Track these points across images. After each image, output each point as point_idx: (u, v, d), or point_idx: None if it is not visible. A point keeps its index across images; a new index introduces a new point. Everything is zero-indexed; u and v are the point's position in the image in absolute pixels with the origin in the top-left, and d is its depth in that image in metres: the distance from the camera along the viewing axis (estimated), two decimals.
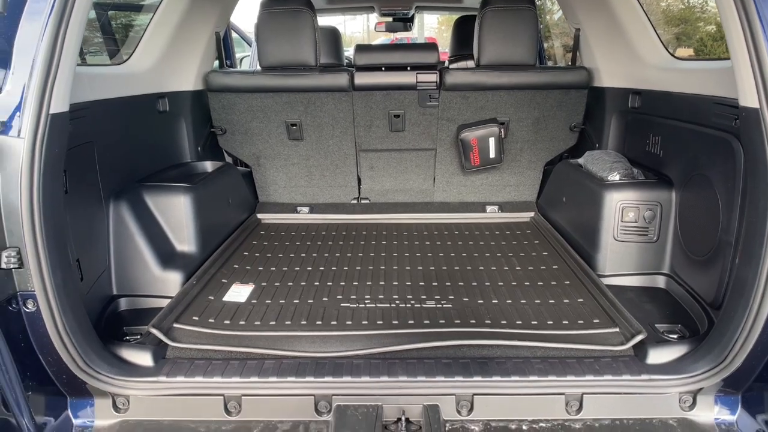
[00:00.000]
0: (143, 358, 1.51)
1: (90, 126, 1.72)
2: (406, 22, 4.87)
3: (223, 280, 2.00)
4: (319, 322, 1.71)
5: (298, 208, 2.79)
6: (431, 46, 2.61)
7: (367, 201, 2.87)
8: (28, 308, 1.29)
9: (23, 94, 1.24)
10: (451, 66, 2.60)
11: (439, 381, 1.45)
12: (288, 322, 1.71)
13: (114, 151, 1.92)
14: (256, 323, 1.71)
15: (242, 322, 1.71)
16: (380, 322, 1.71)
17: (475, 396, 1.45)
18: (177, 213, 2.00)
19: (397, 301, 1.85)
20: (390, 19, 4.89)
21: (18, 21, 1.25)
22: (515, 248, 2.33)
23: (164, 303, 1.83)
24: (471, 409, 1.45)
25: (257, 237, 2.49)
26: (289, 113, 2.60)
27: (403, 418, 1.40)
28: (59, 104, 1.28)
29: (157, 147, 2.31)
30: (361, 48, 2.61)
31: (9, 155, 1.22)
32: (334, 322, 1.71)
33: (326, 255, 2.27)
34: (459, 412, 1.45)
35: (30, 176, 1.22)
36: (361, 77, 2.53)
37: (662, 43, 2.21)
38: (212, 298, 1.86)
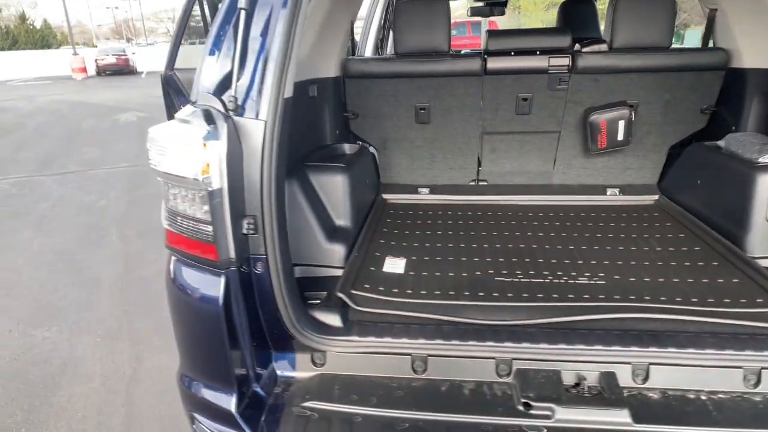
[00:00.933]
0: (334, 319, 1.68)
1: None
2: (499, 6, 4.86)
3: (376, 253, 2.15)
4: (481, 294, 1.82)
5: (419, 189, 2.92)
6: (563, 30, 2.63)
7: (485, 183, 2.95)
8: (257, 270, 1.47)
9: (255, 80, 1.41)
10: (583, 49, 2.61)
11: (615, 350, 1.53)
12: (452, 293, 1.84)
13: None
14: (422, 292, 1.85)
15: (409, 291, 1.85)
16: (541, 295, 1.80)
17: (650, 365, 1.52)
18: (336, 191, 2.17)
19: (550, 277, 1.93)
20: (482, 3, 4.89)
21: (253, 14, 1.41)
22: (648, 230, 2.35)
23: (331, 272, 2.01)
24: (646, 378, 1.52)
25: (389, 215, 2.64)
26: (419, 98, 2.72)
27: (585, 383, 1.50)
28: (289, 89, 1.44)
29: (308, 130, 2.50)
30: (492, 33, 2.67)
31: (250, 135, 1.39)
32: (496, 294, 1.82)
33: (461, 233, 2.38)
34: (634, 380, 1.53)
35: (270, 153, 1.39)
36: (493, 62, 2.60)
37: None
38: (374, 269, 2.02)
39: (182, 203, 1.38)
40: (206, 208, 1.33)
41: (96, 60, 25.55)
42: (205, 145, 1.28)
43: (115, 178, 6.99)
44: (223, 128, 1.31)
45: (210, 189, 1.31)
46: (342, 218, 2.19)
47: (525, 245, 2.23)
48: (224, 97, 1.39)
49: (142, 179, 6.86)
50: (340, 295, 1.73)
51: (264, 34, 1.39)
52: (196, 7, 4.31)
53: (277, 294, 1.48)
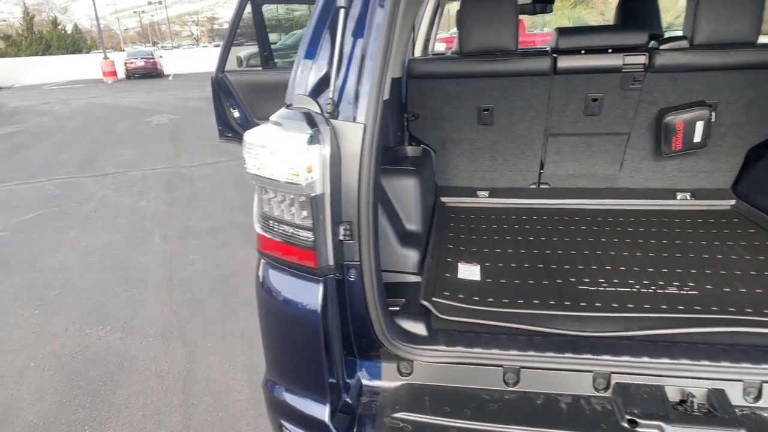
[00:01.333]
0: (419, 327, 1.63)
1: None
2: (545, 4, 4.72)
3: (448, 259, 2.10)
4: (568, 303, 1.75)
5: (478, 192, 2.85)
6: (638, 27, 2.53)
7: (547, 186, 2.87)
8: (351, 277, 1.43)
9: (353, 82, 1.36)
10: (662, 46, 2.50)
11: (724, 366, 1.44)
12: (536, 302, 1.77)
13: None
14: (504, 301, 1.78)
15: (491, 299, 1.79)
16: (631, 306, 1.72)
17: (763, 383, 1.43)
18: (407, 194, 2.12)
19: (636, 286, 1.85)
20: (528, 1, 4.76)
21: (347, 16, 1.37)
22: (729, 236, 2.24)
23: (405, 278, 1.96)
24: (758, 397, 1.43)
25: (450, 219, 2.58)
26: (483, 98, 2.65)
27: (694, 401, 1.41)
28: (386, 91, 1.40)
29: None
30: (563, 31, 2.59)
31: (347, 138, 1.35)
32: (584, 304, 1.74)
33: (531, 238, 2.31)
34: (745, 399, 1.44)
35: (368, 157, 1.35)
36: (563, 61, 2.51)
37: None
38: (449, 275, 1.96)
39: (278, 208, 1.35)
40: (305, 213, 1.30)
41: (125, 63, 26.10)
42: (308, 149, 1.24)
43: (153, 179, 7.08)
44: (326, 132, 1.27)
45: (312, 194, 1.27)
46: (413, 223, 2.15)
47: (602, 251, 2.15)
48: (321, 100, 1.35)
49: (178, 180, 6.94)
50: (424, 302, 1.68)
51: (362, 33, 1.35)
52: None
53: (370, 301, 1.44)
